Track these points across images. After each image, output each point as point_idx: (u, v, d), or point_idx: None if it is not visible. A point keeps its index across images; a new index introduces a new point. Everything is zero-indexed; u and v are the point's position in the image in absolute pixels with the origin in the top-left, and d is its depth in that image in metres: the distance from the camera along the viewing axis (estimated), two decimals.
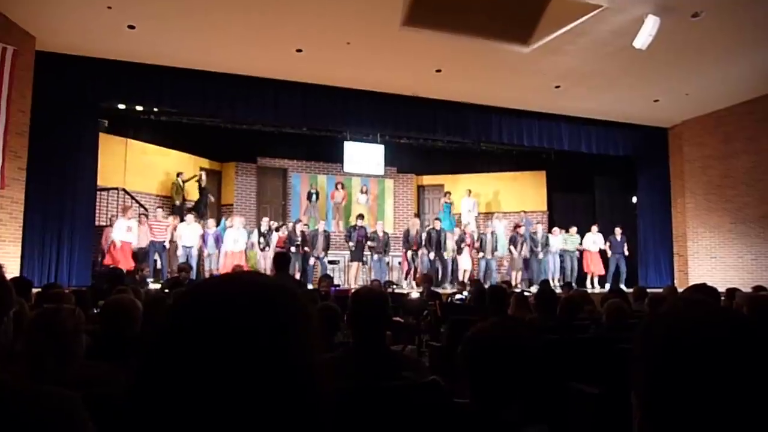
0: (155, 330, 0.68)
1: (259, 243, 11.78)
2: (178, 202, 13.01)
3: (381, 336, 2.29)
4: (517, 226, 13.34)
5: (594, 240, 13.04)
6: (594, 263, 12.99)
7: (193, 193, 13.50)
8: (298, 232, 12.13)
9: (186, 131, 13.26)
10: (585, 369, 3.41)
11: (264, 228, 11.91)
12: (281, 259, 5.55)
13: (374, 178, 15.60)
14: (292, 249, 11.81)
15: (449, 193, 15.16)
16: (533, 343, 1.50)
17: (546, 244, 12.96)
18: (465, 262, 12.89)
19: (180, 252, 11.11)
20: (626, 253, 12.94)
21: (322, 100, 11.44)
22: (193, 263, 11.23)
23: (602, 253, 13.01)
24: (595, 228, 13.16)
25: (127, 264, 10.03)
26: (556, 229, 13.29)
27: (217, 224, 11.90)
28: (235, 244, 11.42)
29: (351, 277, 12.05)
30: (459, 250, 12.85)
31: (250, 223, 13.46)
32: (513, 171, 15.78)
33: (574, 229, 13.23)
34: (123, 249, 10.38)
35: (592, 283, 12.88)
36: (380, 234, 12.29)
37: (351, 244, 12.07)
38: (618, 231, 13.05)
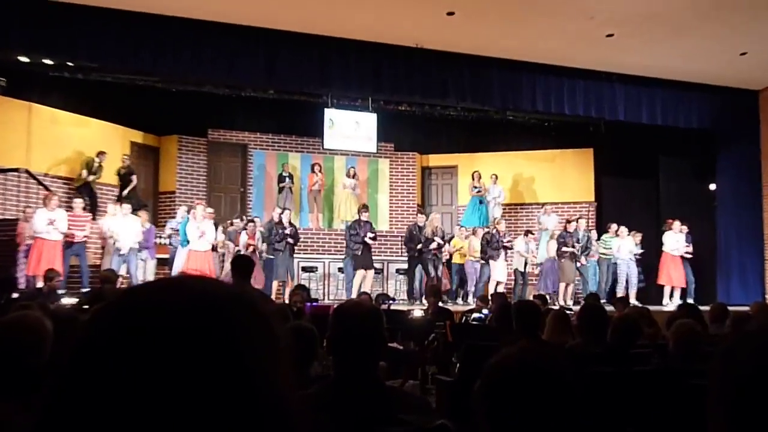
0: (66, 356, 0.68)
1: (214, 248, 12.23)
2: (76, 185, 13.07)
3: (372, 367, 2.31)
4: (567, 222, 13.66)
5: (677, 240, 13.26)
6: (675, 271, 13.18)
7: (109, 176, 13.73)
8: (286, 224, 12.52)
9: (111, 94, 13.38)
10: (645, 411, 3.43)
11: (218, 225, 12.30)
12: (243, 264, 5.63)
13: (364, 158, 15.87)
14: (278, 246, 12.23)
15: (477, 173, 15.34)
16: (576, 377, 1.50)
17: (588, 246, 13.36)
18: (499, 272, 13.15)
19: (114, 259, 11.44)
20: (688, 254, 13.26)
21: (296, 52, 11.59)
22: (134, 272, 11.61)
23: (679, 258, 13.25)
24: (677, 225, 13.35)
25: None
26: (623, 229, 13.51)
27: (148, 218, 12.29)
28: (201, 241, 11.65)
29: (357, 290, 12.33)
30: (489, 255, 13.11)
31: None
32: (550, 149, 16.05)
33: (624, 230, 13.56)
34: (48, 250, 10.63)
35: (671, 297, 13.14)
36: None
37: (355, 245, 12.45)
38: (678, 226, 13.32)
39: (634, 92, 13.41)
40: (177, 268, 11.74)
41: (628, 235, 13.54)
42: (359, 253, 12.56)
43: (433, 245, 12.79)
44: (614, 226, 13.68)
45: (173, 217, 13.48)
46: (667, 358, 4.14)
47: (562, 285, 13.27)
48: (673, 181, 15.00)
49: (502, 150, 16.16)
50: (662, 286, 13.25)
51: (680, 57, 12.37)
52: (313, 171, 15.39)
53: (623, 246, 13.45)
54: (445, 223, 15.07)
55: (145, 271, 12.15)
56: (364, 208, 13.03)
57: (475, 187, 15.24)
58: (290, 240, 12.54)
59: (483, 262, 13.12)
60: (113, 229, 11.74)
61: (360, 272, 12.61)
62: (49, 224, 10.67)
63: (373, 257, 12.89)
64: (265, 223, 13.15)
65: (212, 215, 12.21)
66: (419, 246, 12.77)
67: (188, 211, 12.52)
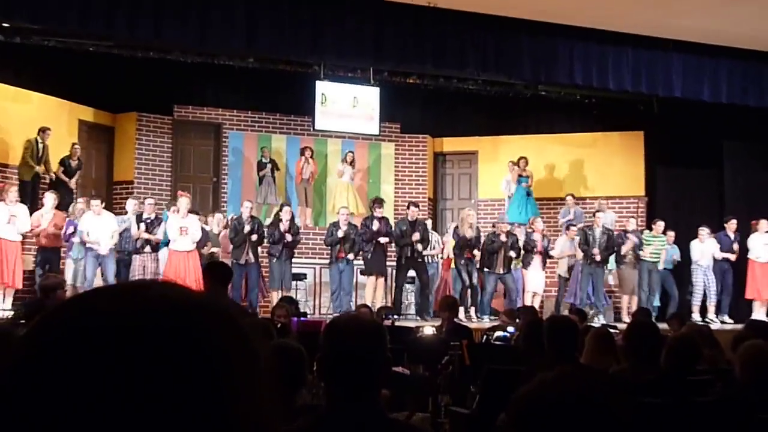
0: None
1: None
2: (28, 178, 13.24)
3: (372, 396, 2.32)
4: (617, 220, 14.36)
5: (765, 243, 13.49)
6: (762, 280, 13.43)
7: (53, 163, 13.84)
8: (285, 222, 12.86)
9: (56, 62, 13.36)
10: None
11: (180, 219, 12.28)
12: (218, 271, 5.77)
13: (364, 141, 16.04)
14: (273, 250, 12.67)
15: (523, 160, 15.39)
16: (623, 408, 1.50)
17: (639, 248, 13.60)
18: (535, 281, 13.54)
19: (89, 262, 11.79)
20: (732, 256, 13.61)
21: (281, 12, 11.61)
22: (112, 277, 11.93)
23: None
24: (764, 224, 13.56)
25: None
26: (704, 231, 13.65)
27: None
28: (184, 241, 12.06)
29: (367, 300, 12.51)
30: (523, 261, 13.43)
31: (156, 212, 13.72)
32: (591, 131, 16.15)
33: (704, 231, 13.65)
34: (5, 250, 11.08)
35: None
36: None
37: (366, 245, 12.83)
38: (732, 225, 13.66)
39: (694, 63, 13.43)
40: (161, 273, 12.01)
41: (710, 236, 13.68)
42: (369, 255, 12.81)
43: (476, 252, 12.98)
44: (660, 224, 13.82)
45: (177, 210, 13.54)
46: (733, 386, 4.16)
47: (625, 298, 13.62)
48: (740, 172, 15.05)
49: (531, 132, 16.25)
50: (751, 301, 13.42)
51: (751, 20, 12.25)
52: (303, 156, 15.43)
53: (705, 250, 13.63)
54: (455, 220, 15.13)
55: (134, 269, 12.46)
56: (377, 202, 13.25)
57: (522, 176, 15.34)
58: (289, 240, 12.70)
59: (489, 270, 13.24)
60: (87, 228, 11.92)
61: (371, 280, 12.87)
62: (8, 224, 10.93)
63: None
64: (232, 220, 13.29)
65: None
66: (406, 243, 12.93)
67: (168, 208, 12.88)
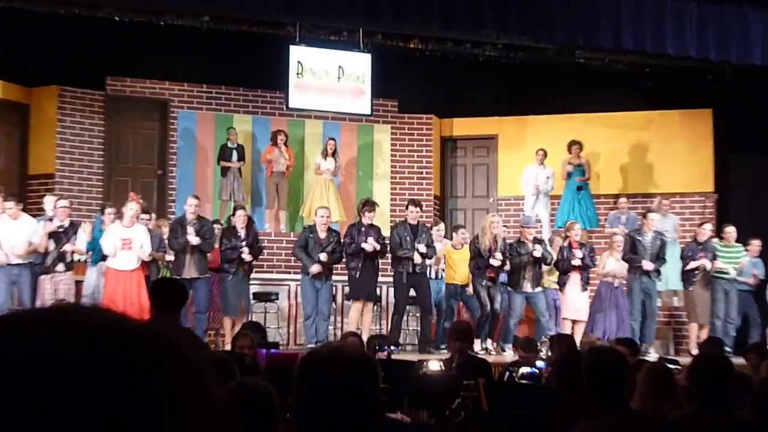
0: None
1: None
2: None
3: None
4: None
5: None
6: None
7: None
8: (241, 230, 12.84)
9: None
10: None
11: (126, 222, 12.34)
12: (167, 292, 5.93)
13: (351, 123, 16.04)
14: (227, 267, 12.62)
15: (577, 146, 15.41)
16: None
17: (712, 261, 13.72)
18: (574, 304, 13.55)
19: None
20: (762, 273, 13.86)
21: None
22: (27, 299, 12.01)
23: None
24: None
25: None
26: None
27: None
28: (127, 257, 12.05)
29: (352, 328, 12.46)
30: (559, 280, 13.57)
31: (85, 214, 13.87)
32: (643, 110, 16.19)
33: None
34: None
35: None
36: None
37: (352, 261, 12.91)
38: (756, 245, 13.82)
39: None
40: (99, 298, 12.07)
41: None
42: (357, 273, 12.82)
43: (494, 262, 13.00)
44: (731, 231, 13.84)
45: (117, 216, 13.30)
46: None
47: (693, 326, 13.67)
48: None
49: (566, 111, 16.23)
50: None
51: None
52: (274, 143, 15.31)
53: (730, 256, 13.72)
54: (479, 222, 14.99)
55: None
56: (367, 205, 13.24)
57: (573, 165, 15.43)
58: (244, 253, 12.65)
59: (515, 289, 13.29)
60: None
61: (357, 305, 12.87)
62: None
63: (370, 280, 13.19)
64: (173, 222, 13.31)
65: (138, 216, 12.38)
66: (403, 255, 12.89)
67: (102, 210, 12.83)
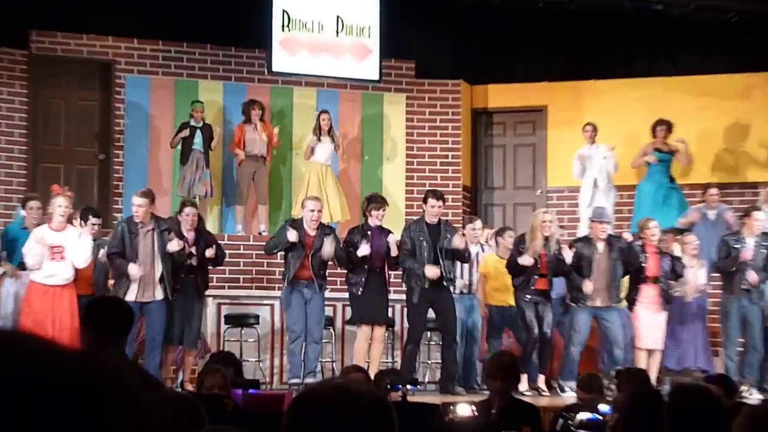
0: None
1: None
2: None
3: None
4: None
5: None
6: None
7: None
8: (188, 232, 12.78)
9: None
10: None
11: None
12: (105, 315, 6.06)
13: (354, 92, 16.23)
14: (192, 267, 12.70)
15: (665, 125, 15.51)
16: None
17: None
18: (650, 329, 13.50)
19: None
20: None
21: None
22: None
23: None
24: None
25: None
26: None
27: None
28: (59, 269, 12.21)
29: (358, 359, 12.65)
30: (627, 297, 13.41)
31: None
32: (741, 71, 16.18)
33: None
34: None
35: None
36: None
37: (353, 276, 13.06)
38: None
39: None
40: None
41: None
42: (359, 290, 12.89)
43: (524, 261, 12.89)
44: None
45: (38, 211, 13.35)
46: None
47: None
48: None
49: (639, 74, 16.28)
50: None
51: None
52: (247, 119, 15.26)
53: None
54: (523, 221, 15.31)
55: None
56: (373, 201, 13.23)
57: (662, 152, 15.45)
58: (194, 263, 12.49)
59: (578, 303, 13.35)
60: None
61: (364, 331, 12.90)
62: None
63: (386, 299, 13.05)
64: (124, 222, 12.83)
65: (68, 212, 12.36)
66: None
67: (23, 204, 13.06)
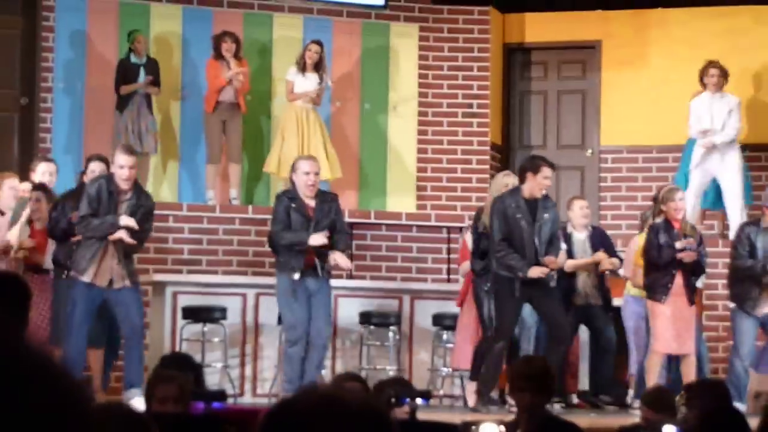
0: None
1: None
2: None
3: None
4: None
5: None
6: None
7: None
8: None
9: None
10: None
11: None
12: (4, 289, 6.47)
13: (351, 20, 16.12)
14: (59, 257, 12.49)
15: (717, 69, 15.01)
16: None
17: None
18: (672, 326, 13.22)
19: None
20: None
21: None
22: None
23: None
24: None
25: None
26: None
27: None
28: None
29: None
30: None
31: None
32: None
33: None
34: None
35: None
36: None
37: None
38: None
39: None
40: None
41: None
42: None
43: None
44: None
45: None
46: None
47: None
48: None
49: (716, 2, 15.83)
50: None
51: None
52: (218, 54, 14.76)
53: None
54: (569, 189, 15.38)
55: None
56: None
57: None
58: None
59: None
60: None
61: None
62: None
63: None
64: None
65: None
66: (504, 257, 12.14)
67: None
